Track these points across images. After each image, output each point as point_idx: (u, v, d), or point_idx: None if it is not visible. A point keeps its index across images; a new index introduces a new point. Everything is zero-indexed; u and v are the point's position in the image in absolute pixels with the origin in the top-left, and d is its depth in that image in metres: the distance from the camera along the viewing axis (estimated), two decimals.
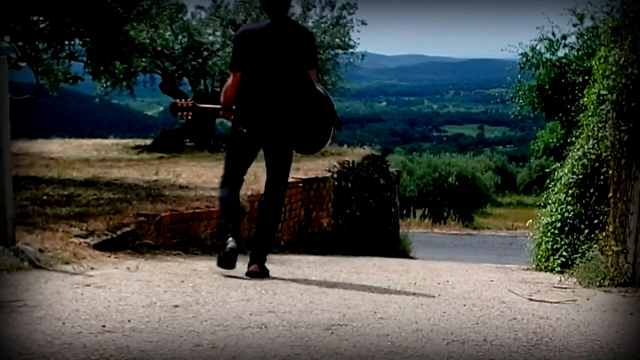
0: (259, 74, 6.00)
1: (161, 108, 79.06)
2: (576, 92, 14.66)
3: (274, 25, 6.06)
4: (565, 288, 6.91)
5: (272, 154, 6.18)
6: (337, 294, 5.37)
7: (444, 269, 8.94)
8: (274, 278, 5.95)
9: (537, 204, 11.97)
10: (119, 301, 4.42)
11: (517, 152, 74.18)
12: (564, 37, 21.00)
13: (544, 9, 21.64)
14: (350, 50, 20.71)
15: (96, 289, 4.81)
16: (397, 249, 17.00)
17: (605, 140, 7.89)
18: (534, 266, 10.06)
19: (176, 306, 4.35)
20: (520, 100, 21.84)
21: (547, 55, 21.18)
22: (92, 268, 5.77)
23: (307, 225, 12.24)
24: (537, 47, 21.28)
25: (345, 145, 18.23)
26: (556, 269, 9.03)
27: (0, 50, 11.04)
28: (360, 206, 15.51)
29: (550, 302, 5.69)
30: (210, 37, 20.02)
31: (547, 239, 9.63)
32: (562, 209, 9.36)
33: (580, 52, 20.19)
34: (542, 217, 10.11)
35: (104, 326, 3.73)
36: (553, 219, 9.51)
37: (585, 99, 9.38)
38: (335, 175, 13.71)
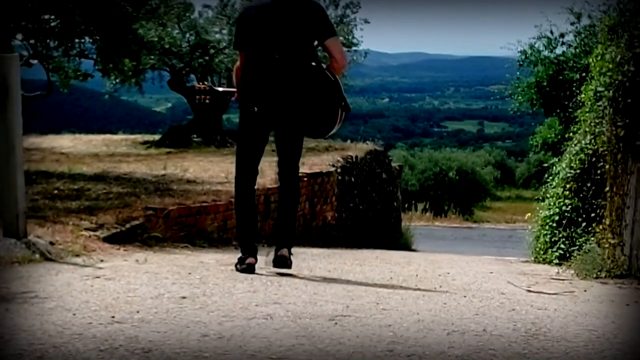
0: (262, 52, 5.65)
1: (169, 104, 79.23)
2: (574, 88, 14.63)
3: (278, 1, 5.67)
4: (562, 280, 6.90)
5: (282, 136, 5.81)
6: (341, 285, 5.37)
7: (445, 261, 8.93)
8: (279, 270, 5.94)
9: (536, 197, 11.98)
10: (128, 292, 4.42)
11: (516, 147, 74.01)
12: (562, 35, 20.95)
13: (543, 8, 21.60)
14: (354, 48, 20.72)
15: (106, 281, 4.81)
16: (399, 242, 17.00)
17: (602, 136, 7.87)
18: (533, 258, 10.05)
19: (184, 297, 4.35)
20: (519, 97, 21.80)
21: (546, 52, 21.14)
22: (102, 260, 5.78)
23: (311, 219, 12.24)
24: (536, 45, 21.25)
25: (349, 141, 18.23)
26: (554, 261, 9.02)
27: (13, 48, 11.05)
28: (364, 200, 15.51)
29: (548, 294, 5.69)
30: (217, 35, 20.04)
31: (545, 231, 9.62)
32: (560, 202, 9.35)
33: (577, 50, 20.15)
34: (541, 211, 10.11)
35: (113, 317, 3.73)
36: (551, 213, 9.50)
37: (583, 96, 9.36)
38: (339, 170, 13.71)
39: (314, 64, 5.70)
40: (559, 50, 21.11)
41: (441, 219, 34.66)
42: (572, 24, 20.28)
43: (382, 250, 11.63)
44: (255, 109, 5.66)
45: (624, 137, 7.08)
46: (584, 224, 8.91)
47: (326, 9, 20.09)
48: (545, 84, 20.67)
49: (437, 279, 6.43)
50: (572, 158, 9.23)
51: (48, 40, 12.03)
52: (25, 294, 4.18)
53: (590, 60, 9.12)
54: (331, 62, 5.78)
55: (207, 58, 19.09)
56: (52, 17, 11.46)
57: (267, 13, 5.67)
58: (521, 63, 21.57)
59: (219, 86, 19.93)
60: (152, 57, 16.55)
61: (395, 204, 19.09)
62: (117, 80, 17.09)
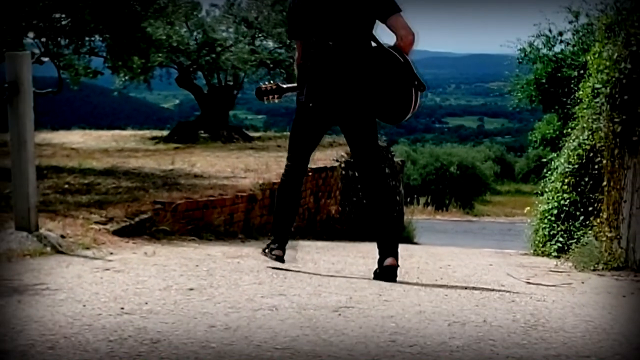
0: (315, 40, 5.15)
1: (177, 101, 79.18)
2: (572, 85, 14.56)
3: None
4: (561, 272, 6.89)
5: (351, 131, 5.35)
6: (344, 277, 5.37)
7: (446, 254, 8.92)
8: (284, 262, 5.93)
9: (535, 192, 11.96)
10: (137, 284, 4.42)
11: (516, 142, 73.86)
12: (560, 34, 20.88)
13: (541, 6, 21.52)
14: None
15: (115, 273, 4.81)
16: (402, 235, 16.97)
17: (600, 132, 7.85)
18: (532, 251, 10.05)
19: (191, 289, 4.35)
20: (519, 94, 21.73)
21: (544, 50, 21.07)
22: (111, 253, 5.78)
23: (316, 213, 12.24)
24: (535, 43, 21.17)
25: None
26: (552, 253, 9.02)
27: (24, 47, 11.06)
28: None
29: (547, 285, 5.68)
30: (224, 34, 20.05)
31: (544, 225, 9.62)
32: (558, 196, 9.34)
33: (575, 48, 20.08)
34: (540, 205, 10.10)
35: (122, 308, 3.73)
36: (550, 207, 9.50)
37: (581, 92, 9.35)
38: (342, 165, 13.71)
39: (374, 44, 5.19)
40: (557, 48, 21.05)
41: (442, 213, 34.69)
42: (570, 22, 20.21)
43: None
44: (311, 104, 5.22)
45: (621, 132, 7.07)
46: (581, 218, 8.90)
47: None
48: (544, 81, 20.60)
49: (438, 271, 6.43)
50: (570, 153, 9.22)
51: (59, 39, 12.03)
52: (36, 286, 4.18)
53: (588, 58, 9.11)
54: (397, 41, 5.15)
55: (213, 56, 19.08)
56: (63, 16, 11.45)
57: None
58: (520, 60, 21.51)
59: (226, 83, 19.97)
60: (160, 54, 16.54)
61: (397, 198, 19.05)
62: (126, 78, 17.08)
